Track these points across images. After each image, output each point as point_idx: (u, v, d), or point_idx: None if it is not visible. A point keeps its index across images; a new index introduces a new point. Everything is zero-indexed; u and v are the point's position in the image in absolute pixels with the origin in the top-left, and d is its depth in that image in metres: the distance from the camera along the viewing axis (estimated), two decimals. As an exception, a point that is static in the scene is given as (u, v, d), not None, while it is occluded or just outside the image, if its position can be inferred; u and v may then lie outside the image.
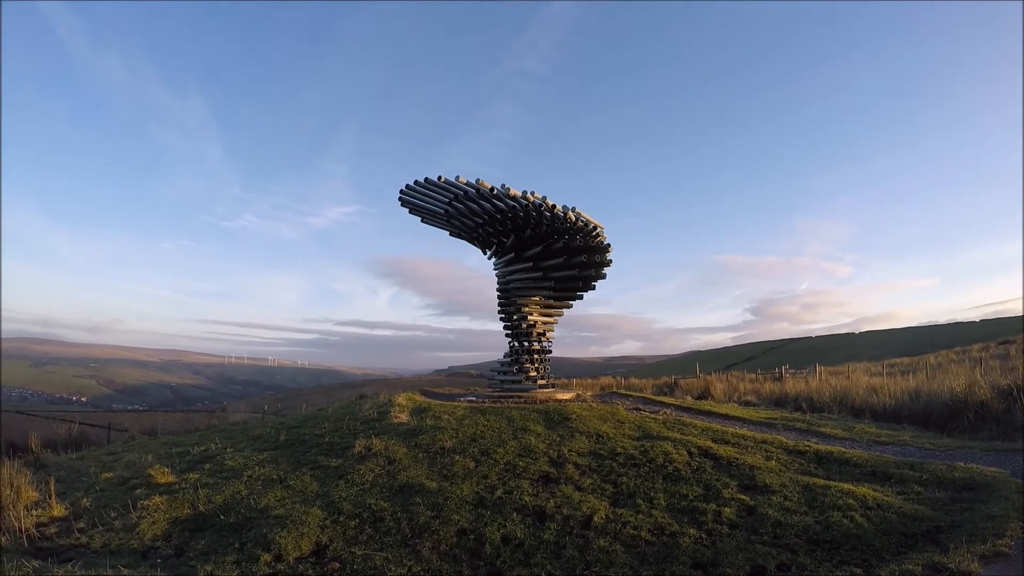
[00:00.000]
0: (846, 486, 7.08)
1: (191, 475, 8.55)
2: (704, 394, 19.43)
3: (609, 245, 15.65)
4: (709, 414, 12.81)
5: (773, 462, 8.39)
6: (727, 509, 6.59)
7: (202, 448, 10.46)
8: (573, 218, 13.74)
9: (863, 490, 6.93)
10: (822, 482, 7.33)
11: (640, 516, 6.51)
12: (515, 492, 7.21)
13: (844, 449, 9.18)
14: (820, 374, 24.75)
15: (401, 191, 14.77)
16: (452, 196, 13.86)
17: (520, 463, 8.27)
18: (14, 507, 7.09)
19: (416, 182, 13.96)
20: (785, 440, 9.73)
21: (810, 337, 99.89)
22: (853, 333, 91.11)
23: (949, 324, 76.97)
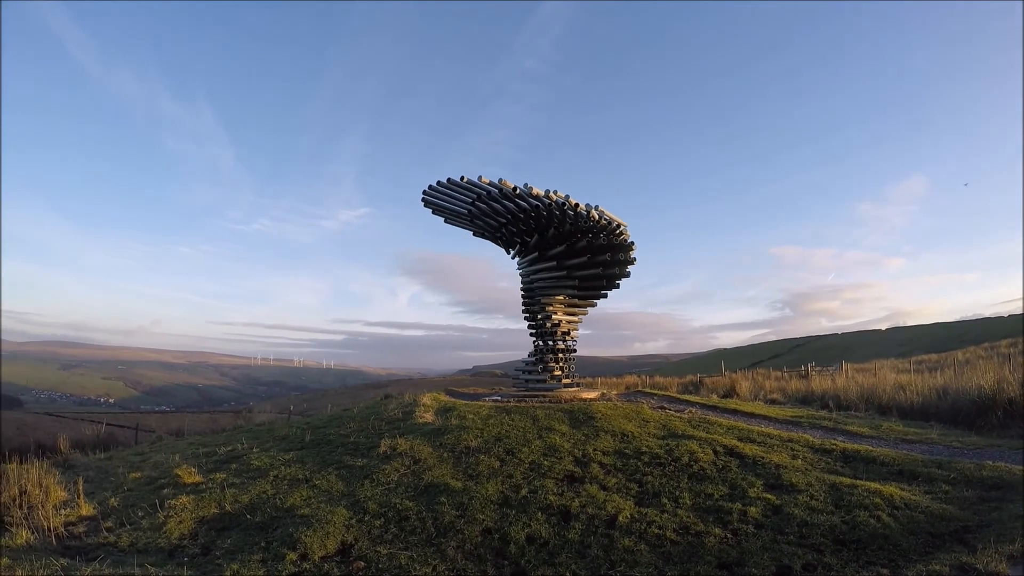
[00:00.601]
0: (873, 485, 6.98)
1: (217, 475, 8.71)
2: (729, 392, 19.22)
3: (633, 243, 15.55)
4: (735, 412, 12.68)
5: (799, 461, 8.29)
6: (753, 508, 6.53)
7: (228, 448, 10.65)
8: (596, 216, 13.68)
9: (890, 489, 6.82)
10: (848, 481, 7.24)
11: (665, 515, 6.49)
12: (540, 491, 7.24)
13: (871, 447, 9.03)
14: (847, 371, 24.32)
15: (424, 192, 14.80)
16: (475, 196, 13.82)
17: (545, 462, 8.29)
18: (43, 506, 7.27)
19: (439, 182, 13.96)
20: (811, 438, 9.61)
21: (837, 334, 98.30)
22: (880, 330, 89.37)
23: (978, 320, 75.01)
